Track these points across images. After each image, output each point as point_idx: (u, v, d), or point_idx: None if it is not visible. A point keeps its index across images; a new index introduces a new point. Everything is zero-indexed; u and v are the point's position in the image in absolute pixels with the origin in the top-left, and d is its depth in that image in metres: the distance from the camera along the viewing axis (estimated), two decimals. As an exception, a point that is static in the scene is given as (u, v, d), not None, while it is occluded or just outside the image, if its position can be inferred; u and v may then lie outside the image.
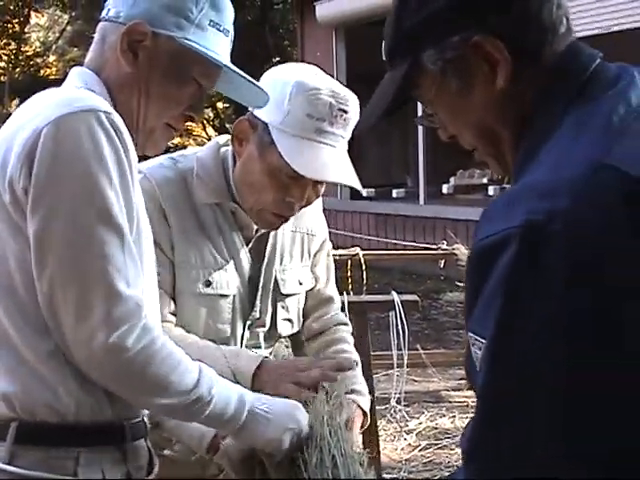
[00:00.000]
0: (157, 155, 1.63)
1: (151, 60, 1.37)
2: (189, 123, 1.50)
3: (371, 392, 1.90)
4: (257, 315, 1.82)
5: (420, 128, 9.47)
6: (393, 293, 3.83)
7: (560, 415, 0.80)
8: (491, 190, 9.09)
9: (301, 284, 1.89)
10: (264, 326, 1.84)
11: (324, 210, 1.97)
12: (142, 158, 1.54)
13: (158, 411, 1.42)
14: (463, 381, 4.80)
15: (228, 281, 1.76)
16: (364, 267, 4.35)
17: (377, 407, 3.66)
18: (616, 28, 7.46)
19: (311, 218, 1.91)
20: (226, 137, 1.84)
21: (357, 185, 1.71)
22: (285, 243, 1.86)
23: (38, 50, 20.77)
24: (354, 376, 1.86)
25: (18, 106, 1.40)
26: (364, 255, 4.41)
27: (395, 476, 3.87)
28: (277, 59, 14.15)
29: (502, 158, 1.03)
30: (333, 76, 1.76)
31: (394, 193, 10.50)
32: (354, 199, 10.13)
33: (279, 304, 1.85)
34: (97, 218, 1.23)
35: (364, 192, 1.87)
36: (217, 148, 1.81)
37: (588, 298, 0.79)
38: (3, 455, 1.27)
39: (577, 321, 0.79)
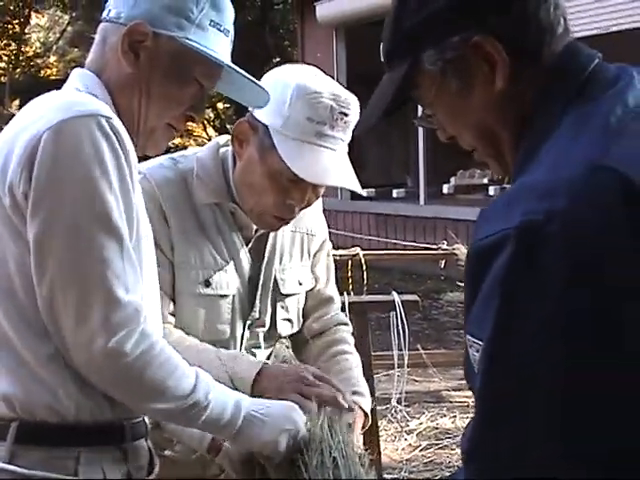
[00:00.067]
0: (158, 155, 1.63)
1: (152, 60, 1.37)
2: (190, 123, 1.51)
3: (372, 392, 1.90)
4: (257, 315, 1.82)
5: (420, 128, 9.46)
6: (393, 293, 3.83)
7: (558, 415, 0.80)
8: (492, 190, 9.09)
9: (301, 284, 1.89)
10: (264, 326, 1.84)
11: (324, 210, 1.97)
12: (143, 158, 1.54)
13: (155, 416, 1.42)
14: (464, 381, 4.76)
15: (228, 281, 1.76)
16: (364, 267, 4.35)
17: (378, 407, 3.65)
18: (615, 28, 7.46)
19: (311, 218, 1.91)
20: (226, 137, 1.84)
21: (357, 188, 1.71)
22: (285, 243, 1.86)
23: (38, 51, 20.78)
24: (355, 377, 1.87)
25: (19, 107, 1.41)
26: (364, 255, 4.40)
27: (396, 476, 3.87)
28: (277, 59, 14.16)
29: (502, 158, 1.04)
30: (333, 76, 1.76)
31: (394, 193, 10.50)
32: (354, 199, 10.12)
33: (279, 304, 1.85)
34: (97, 223, 1.24)
35: (364, 193, 1.87)
36: (217, 148, 1.81)
37: (588, 298, 0.79)
38: (4, 455, 1.27)
39: (576, 321, 0.80)
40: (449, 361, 5.05)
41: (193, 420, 1.35)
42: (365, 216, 10.32)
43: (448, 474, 3.78)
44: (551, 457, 0.81)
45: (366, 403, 1.82)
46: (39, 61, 20.13)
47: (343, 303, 2.59)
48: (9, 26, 18.30)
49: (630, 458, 0.80)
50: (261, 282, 1.82)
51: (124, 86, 1.38)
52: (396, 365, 4.25)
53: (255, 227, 1.80)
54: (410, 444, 4.21)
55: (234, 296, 1.78)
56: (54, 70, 20.36)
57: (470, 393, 0.92)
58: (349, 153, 1.73)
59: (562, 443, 0.80)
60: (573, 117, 0.92)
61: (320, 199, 1.84)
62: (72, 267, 1.24)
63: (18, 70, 18.76)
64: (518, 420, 0.83)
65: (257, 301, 1.81)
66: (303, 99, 1.64)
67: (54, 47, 21.06)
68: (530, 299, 0.81)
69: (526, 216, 0.82)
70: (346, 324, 2.00)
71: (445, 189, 10.03)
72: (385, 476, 3.76)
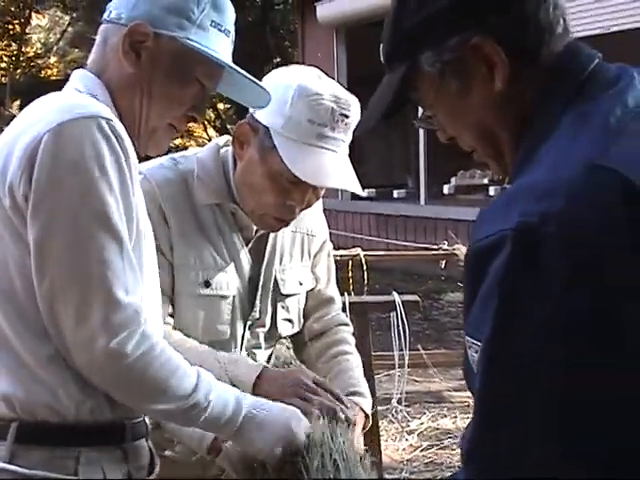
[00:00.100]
0: (159, 155, 1.63)
1: (153, 61, 1.37)
2: (190, 124, 1.51)
3: (372, 393, 1.90)
4: (257, 315, 1.82)
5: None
6: (394, 293, 3.83)
7: (555, 416, 0.80)
8: (492, 190, 9.08)
9: (301, 284, 1.90)
10: (264, 326, 1.84)
11: (325, 210, 1.97)
12: (144, 158, 1.54)
13: (156, 416, 1.43)
14: (464, 381, 4.79)
15: (228, 282, 1.76)
16: (365, 267, 4.35)
17: (378, 408, 3.65)
18: (616, 28, 7.46)
19: (311, 219, 1.91)
20: (226, 138, 1.84)
21: (358, 190, 1.71)
22: (285, 243, 1.87)
23: (39, 51, 20.78)
24: (356, 378, 1.87)
25: (19, 107, 1.41)
26: (365, 255, 4.40)
27: (396, 476, 3.87)
28: (278, 60, 14.16)
29: (501, 159, 1.04)
30: (334, 77, 1.77)
31: (395, 193, 10.49)
32: (355, 200, 10.12)
33: (279, 304, 1.85)
34: (97, 224, 1.24)
35: (364, 194, 1.87)
36: (217, 149, 1.81)
37: (588, 298, 0.79)
38: (4, 454, 1.27)
39: (576, 321, 0.79)
40: (450, 361, 5.04)
41: (194, 420, 1.35)
42: (366, 216, 10.32)
43: (449, 474, 3.77)
44: (551, 457, 0.81)
45: (367, 404, 1.82)
46: (40, 62, 20.12)
47: (344, 303, 2.58)
48: (10, 27, 18.30)
49: (630, 458, 0.80)
50: (261, 282, 1.82)
51: (125, 86, 1.38)
52: (397, 365, 4.25)
53: (255, 228, 1.80)
54: (411, 444, 4.21)
55: (234, 297, 1.78)
56: (55, 71, 20.36)
57: (470, 393, 0.92)
58: (350, 153, 1.73)
59: (562, 443, 0.80)
60: (573, 117, 0.92)
61: (320, 199, 1.84)
62: (72, 268, 1.24)
63: (19, 71, 18.76)
64: (517, 421, 0.83)
65: (257, 301, 1.81)
66: (304, 101, 1.64)
67: (55, 48, 21.07)
68: (529, 299, 0.81)
69: (522, 217, 0.82)
70: (347, 324, 2.00)
71: (446, 189, 10.02)
72: (386, 476, 3.76)
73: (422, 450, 4.14)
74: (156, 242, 1.49)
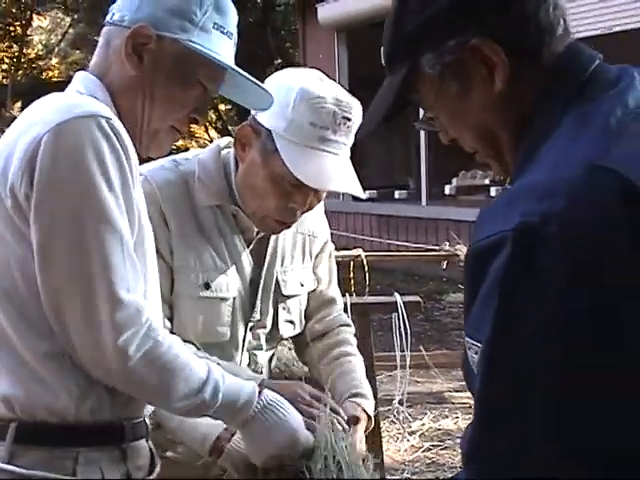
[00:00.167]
0: (161, 157, 1.63)
1: (156, 63, 1.38)
2: (192, 125, 1.51)
3: (374, 393, 1.90)
4: (258, 317, 1.82)
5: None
6: (396, 294, 3.83)
7: (555, 416, 0.81)
8: (493, 191, 9.08)
9: (302, 285, 1.90)
10: (265, 328, 1.84)
11: (326, 211, 1.97)
12: (145, 160, 1.54)
13: (172, 412, 1.43)
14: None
15: (228, 283, 1.76)
16: (366, 268, 4.35)
17: (380, 408, 3.65)
18: (618, 28, 7.45)
19: (313, 220, 1.91)
20: (227, 140, 1.84)
21: (359, 193, 1.71)
22: (286, 245, 1.87)
23: (40, 53, 20.79)
24: (358, 379, 1.87)
25: (21, 109, 1.41)
26: (366, 256, 4.40)
27: (398, 477, 3.87)
28: (279, 61, 14.16)
29: (502, 159, 1.04)
30: (335, 78, 1.77)
31: (396, 194, 10.49)
32: (356, 201, 10.10)
33: (280, 305, 1.85)
34: (98, 223, 1.24)
35: (366, 195, 1.87)
36: (218, 151, 1.81)
37: (587, 298, 0.80)
38: (3, 455, 1.27)
39: (575, 321, 0.80)
40: (451, 362, 5.04)
41: (205, 411, 1.37)
42: (367, 217, 10.32)
43: (450, 475, 3.77)
44: (551, 457, 0.81)
45: (369, 405, 1.82)
46: (41, 63, 20.13)
47: (345, 304, 2.58)
48: (11, 28, 18.31)
49: (630, 458, 0.80)
50: (262, 284, 1.82)
51: (127, 89, 1.38)
52: (398, 366, 4.24)
53: (256, 229, 1.80)
54: (412, 445, 4.21)
55: (234, 298, 1.77)
56: (56, 72, 20.37)
57: (471, 394, 0.93)
58: (351, 155, 1.73)
59: (561, 443, 0.81)
60: (573, 117, 0.92)
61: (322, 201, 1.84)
62: (75, 267, 1.25)
63: (20, 72, 18.76)
64: (517, 421, 0.83)
65: (258, 302, 1.81)
66: (306, 103, 1.64)
67: (56, 49, 21.07)
68: (529, 300, 0.81)
69: (523, 218, 0.82)
70: (348, 325, 2.01)
71: (447, 190, 10.02)
72: (387, 477, 3.75)
73: (424, 451, 4.14)
74: (156, 245, 1.50)
